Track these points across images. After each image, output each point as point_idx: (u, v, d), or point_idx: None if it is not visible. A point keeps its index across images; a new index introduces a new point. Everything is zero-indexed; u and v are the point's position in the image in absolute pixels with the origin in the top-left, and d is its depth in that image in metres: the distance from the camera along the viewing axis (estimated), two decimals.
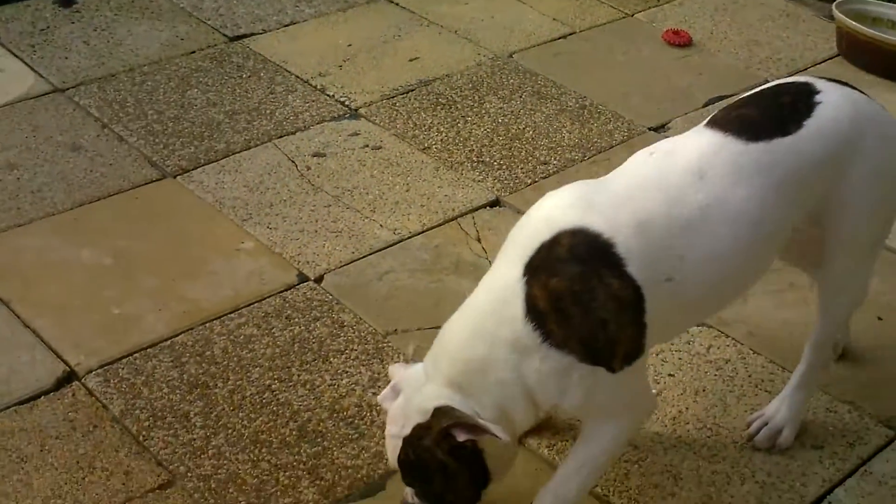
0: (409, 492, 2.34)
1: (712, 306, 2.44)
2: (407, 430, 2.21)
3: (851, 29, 4.38)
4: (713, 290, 2.28)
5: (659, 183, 2.24)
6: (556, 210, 2.23)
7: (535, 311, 2.12)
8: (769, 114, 2.34)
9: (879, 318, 3.13)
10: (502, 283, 2.19)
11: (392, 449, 2.27)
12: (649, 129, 3.92)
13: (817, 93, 2.38)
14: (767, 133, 2.29)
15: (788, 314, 3.10)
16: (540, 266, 2.14)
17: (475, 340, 2.18)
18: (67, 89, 3.93)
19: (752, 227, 2.24)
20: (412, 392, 2.26)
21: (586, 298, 2.11)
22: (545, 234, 2.17)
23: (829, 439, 2.73)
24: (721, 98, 4.10)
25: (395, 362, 2.71)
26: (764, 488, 2.59)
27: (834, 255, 2.53)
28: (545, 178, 3.61)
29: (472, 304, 2.25)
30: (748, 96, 2.46)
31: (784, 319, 3.08)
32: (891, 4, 4.59)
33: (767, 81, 4.04)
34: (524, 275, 2.14)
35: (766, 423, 2.71)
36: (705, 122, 2.41)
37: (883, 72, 4.34)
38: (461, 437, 2.14)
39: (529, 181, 3.60)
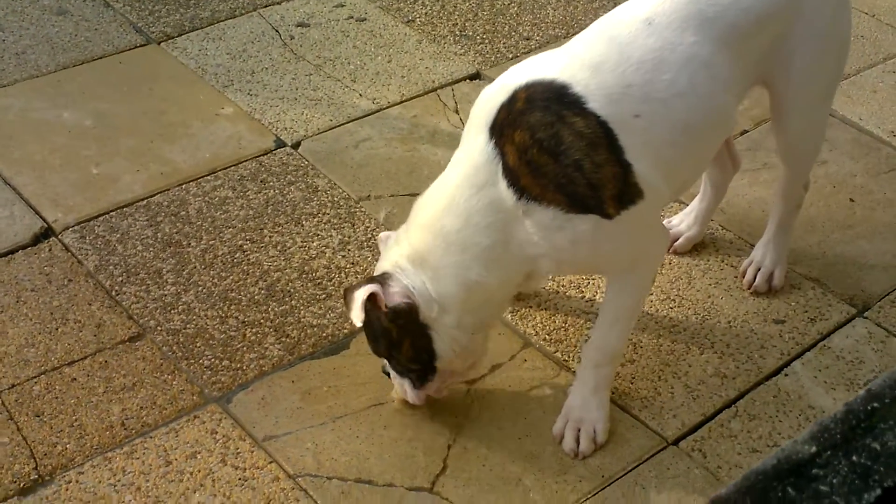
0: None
1: (699, 145, 2.39)
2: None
3: None
4: (688, 130, 2.27)
5: (609, 34, 2.26)
6: (508, 76, 2.26)
7: (508, 169, 2.14)
8: None
9: (851, 200, 3.15)
10: (469, 152, 2.21)
11: None
12: None
13: None
14: None
15: (761, 192, 3.12)
16: (504, 124, 2.16)
17: (448, 214, 2.20)
18: None
19: (705, 68, 2.26)
20: (381, 256, 2.34)
21: (553, 143, 2.12)
22: (501, 97, 2.19)
23: (790, 314, 2.78)
24: None
25: (366, 227, 2.77)
26: (722, 358, 2.64)
27: (784, 113, 2.58)
28: (527, 52, 3.62)
29: (443, 179, 2.27)
30: None
31: (757, 197, 3.11)
32: None
33: None
34: (490, 138, 2.17)
35: (759, 269, 2.81)
36: None
37: None
38: (379, 302, 2.21)
39: (511, 55, 3.60)
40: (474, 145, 2.20)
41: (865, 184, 3.22)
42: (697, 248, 2.94)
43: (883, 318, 2.78)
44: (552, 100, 2.14)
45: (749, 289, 2.83)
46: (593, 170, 2.13)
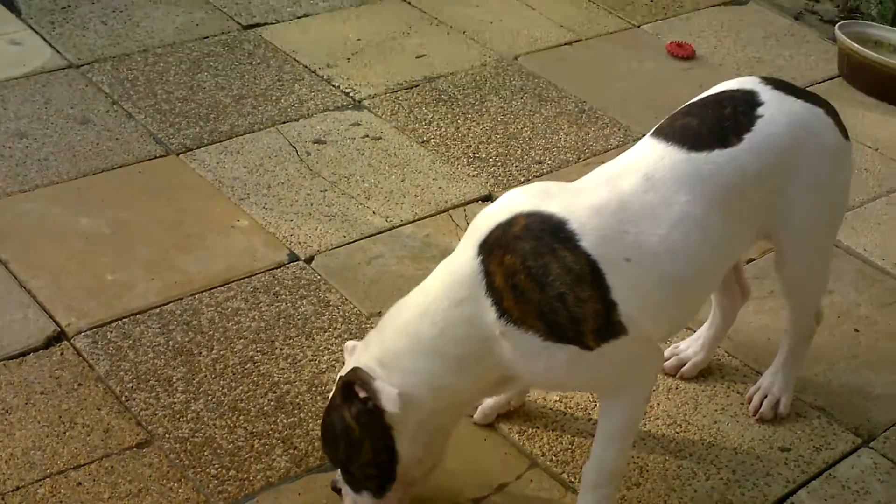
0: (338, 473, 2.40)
1: (686, 298, 2.42)
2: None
3: (853, 51, 4.44)
4: (676, 281, 2.31)
5: (611, 181, 2.33)
6: (512, 197, 2.31)
7: (493, 288, 2.18)
8: (710, 124, 2.40)
9: (856, 330, 3.18)
10: (456, 265, 2.26)
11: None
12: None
13: (759, 105, 2.44)
14: (707, 144, 2.36)
15: (767, 320, 3.16)
16: (495, 244, 2.20)
17: (424, 321, 2.24)
18: (82, 66, 4.01)
19: (699, 229, 2.30)
20: (347, 360, 2.36)
21: (540, 273, 2.16)
22: (501, 217, 2.24)
23: (796, 442, 2.79)
24: None
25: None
26: (728, 485, 2.64)
27: (786, 261, 2.64)
28: (538, 176, 3.69)
29: (424, 288, 2.33)
30: (692, 104, 2.52)
31: (762, 325, 3.14)
32: (892, 28, 4.66)
33: None
34: (479, 254, 2.21)
35: (766, 396, 2.84)
36: (651, 131, 2.49)
37: (883, 94, 4.40)
38: (359, 391, 2.21)
39: (523, 178, 3.67)
40: (461, 258, 2.26)
41: (870, 314, 3.25)
42: (704, 373, 2.96)
43: (888, 449, 2.79)
44: (548, 232, 2.20)
45: (755, 415, 2.84)
46: (576, 303, 2.17)
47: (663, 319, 2.35)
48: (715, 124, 2.40)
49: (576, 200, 2.26)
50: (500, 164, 3.74)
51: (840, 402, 2.92)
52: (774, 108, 2.45)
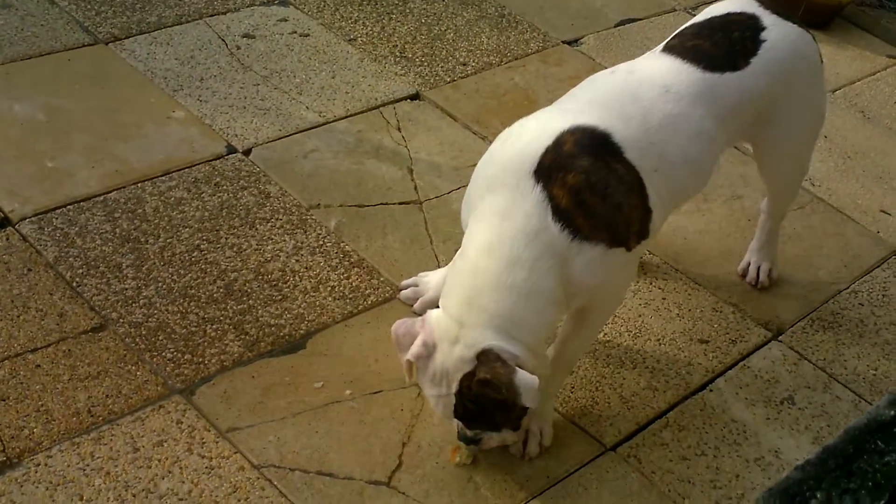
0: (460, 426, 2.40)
1: (680, 202, 2.67)
2: (455, 386, 2.27)
3: None
4: (684, 187, 2.56)
5: (630, 94, 2.49)
6: (543, 123, 2.38)
7: (559, 212, 2.24)
8: (721, 48, 2.63)
9: None
10: (514, 202, 2.27)
11: (444, 407, 2.32)
12: (563, 41, 4.11)
13: (762, 30, 2.69)
14: (720, 66, 2.59)
15: (683, 222, 3.33)
16: (551, 167, 2.27)
17: (514, 267, 2.24)
18: None
19: (708, 142, 2.55)
20: (448, 346, 2.27)
21: (602, 186, 2.28)
22: (545, 141, 2.31)
23: (713, 335, 2.98)
24: (632, 20, 4.33)
25: (318, 233, 2.88)
26: (653, 373, 2.82)
27: (771, 163, 2.97)
28: (463, 77, 3.78)
29: (488, 237, 2.29)
30: (699, 26, 2.73)
31: (679, 226, 3.31)
32: None
33: (675, 10, 4.32)
34: (537, 182, 2.26)
35: (759, 267, 3.19)
36: (661, 48, 2.68)
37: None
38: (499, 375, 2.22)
39: (448, 79, 3.76)
40: (519, 194, 2.27)
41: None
42: None
43: (795, 343, 3.01)
44: (599, 146, 2.33)
45: (756, 285, 3.17)
46: (629, 211, 2.35)
47: (661, 223, 2.56)
48: (726, 48, 2.63)
49: (604, 115, 2.39)
50: (426, 64, 3.82)
51: (752, 300, 3.13)
52: (775, 32, 2.70)
